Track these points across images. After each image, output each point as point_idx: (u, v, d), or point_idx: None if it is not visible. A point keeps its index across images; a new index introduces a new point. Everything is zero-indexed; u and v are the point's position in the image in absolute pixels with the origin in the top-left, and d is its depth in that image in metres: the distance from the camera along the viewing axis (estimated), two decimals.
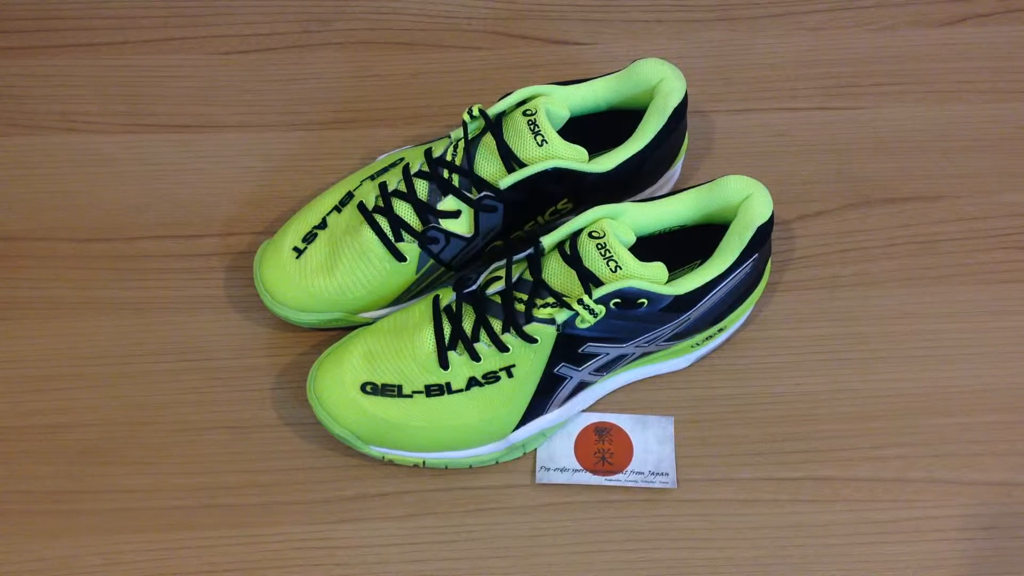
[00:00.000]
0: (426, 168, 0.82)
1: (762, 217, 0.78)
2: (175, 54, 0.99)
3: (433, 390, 0.77)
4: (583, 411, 0.83)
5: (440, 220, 0.81)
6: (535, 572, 0.78)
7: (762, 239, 0.78)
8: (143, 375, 0.84)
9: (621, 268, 0.75)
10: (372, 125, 0.95)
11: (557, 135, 0.80)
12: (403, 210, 0.82)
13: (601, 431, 0.82)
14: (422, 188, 0.82)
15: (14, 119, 0.95)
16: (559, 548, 0.79)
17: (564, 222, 0.79)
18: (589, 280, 0.75)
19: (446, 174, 0.81)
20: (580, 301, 0.74)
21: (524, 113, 0.80)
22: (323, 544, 0.78)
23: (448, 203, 0.81)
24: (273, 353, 0.85)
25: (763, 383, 0.84)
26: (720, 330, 0.83)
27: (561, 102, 0.83)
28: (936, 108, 0.96)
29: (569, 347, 0.77)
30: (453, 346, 0.77)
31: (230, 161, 0.94)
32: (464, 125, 0.81)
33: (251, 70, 0.98)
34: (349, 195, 0.84)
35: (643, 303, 0.75)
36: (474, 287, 0.78)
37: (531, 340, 0.76)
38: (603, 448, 0.81)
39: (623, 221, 0.79)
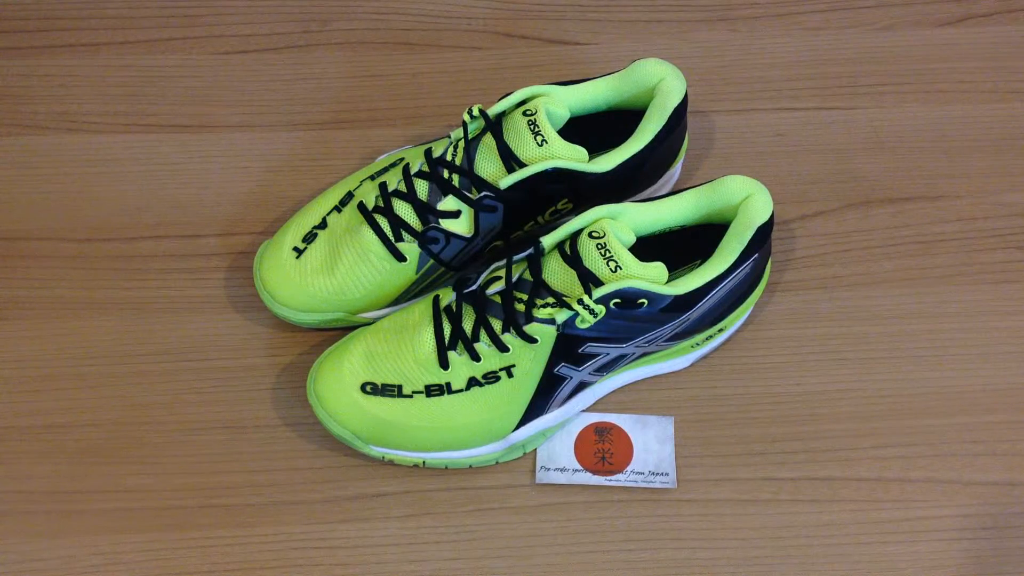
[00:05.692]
0: (426, 168, 0.82)
1: (762, 217, 0.78)
2: (175, 54, 0.99)
3: (433, 390, 0.77)
4: (583, 411, 0.83)
5: (440, 220, 0.81)
6: (535, 572, 0.78)
7: (762, 239, 0.78)
8: (143, 375, 0.84)
9: (621, 268, 0.75)
10: (372, 125, 0.95)
11: (557, 135, 0.80)
12: (403, 210, 0.82)
13: (601, 431, 0.82)
14: (422, 188, 0.82)
15: (14, 119, 0.95)
16: (559, 548, 0.79)
17: (564, 222, 0.79)
18: (589, 280, 0.75)
19: (446, 174, 0.81)
20: (580, 301, 0.74)
21: (524, 113, 0.80)
22: (323, 544, 0.78)
23: (448, 203, 0.81)
24: (273, 353, 0.85)
25: (763, 383, 0.84)
26: (720, 330, 0.83)
27: (561, 102, 0.83)
28: (936, 108, 0.96)
29: (569, 347, 0.77)
30: (453, 346, 0.77)
31: (230, 161, 0.94)
32: (464, 125, 0.81)
33: (251, 70, 0.98)
34: (349, 195, 0.84)
35: (643, 303, 0.75)
36: (474, 287, 0.78)
37: (531, 340, 0.76)
38: (603, 448, 0.81)
39: (623, 221, 0.78)
